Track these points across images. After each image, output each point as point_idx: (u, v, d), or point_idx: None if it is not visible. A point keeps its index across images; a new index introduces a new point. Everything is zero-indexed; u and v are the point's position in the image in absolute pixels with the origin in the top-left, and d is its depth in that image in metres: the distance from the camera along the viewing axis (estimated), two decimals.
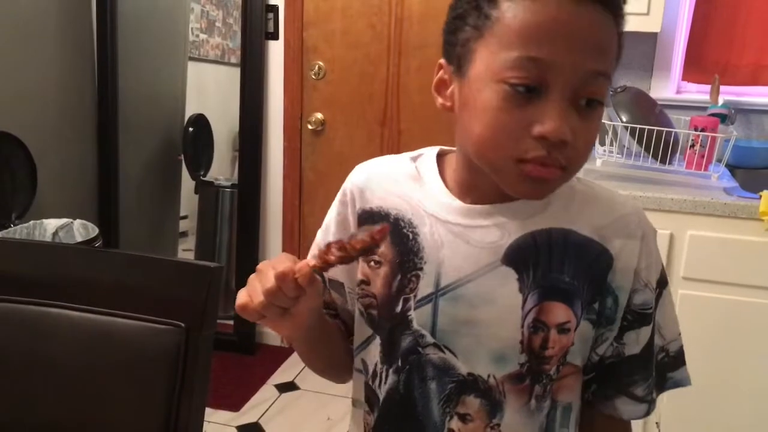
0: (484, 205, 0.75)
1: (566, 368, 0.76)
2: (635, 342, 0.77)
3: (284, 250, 2.87)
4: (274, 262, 0.66)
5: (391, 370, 0.79)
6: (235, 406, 2.48)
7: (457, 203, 0.76)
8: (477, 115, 0.67)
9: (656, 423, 1.82)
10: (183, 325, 0.99)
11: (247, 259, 2.87)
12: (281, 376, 2.72)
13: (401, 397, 0.79)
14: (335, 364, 0.89)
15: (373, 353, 0.81)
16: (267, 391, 2.61)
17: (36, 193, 2.42)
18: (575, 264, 0.73)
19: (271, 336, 2.96)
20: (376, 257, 0.78)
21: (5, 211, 2.34)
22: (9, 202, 2.35)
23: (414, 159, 0.81)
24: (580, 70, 0.64)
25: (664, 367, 0.81)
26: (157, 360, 0.99)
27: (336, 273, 0.84)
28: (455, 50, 0.70)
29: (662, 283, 0.78)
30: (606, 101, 0.69)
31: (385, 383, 0.80)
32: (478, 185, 0.75)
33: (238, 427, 2.36)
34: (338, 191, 0.85)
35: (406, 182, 0.79)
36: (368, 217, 0.81)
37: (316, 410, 2.47)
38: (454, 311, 0.74)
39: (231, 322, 2.91)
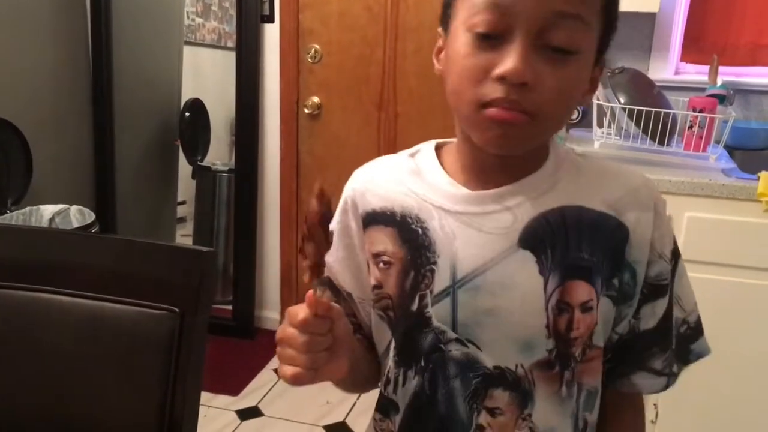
0: (491, 189, 0.73)
1: (592, 351, 0.75)
2: (651, 315, 0.76)
3: (282, 234, 2.87)
4: (286, 324, 0.65)
5: (411, 372, 0.77)
6: (235, 390, 2.49)
7: (464, 191, 0.74)
8: (450, 66, 0.69)
9: (654, 404, 1.83)
10: (177, 309, 0.99)
11: (245, 243, 2.87)
12: None
13: (428, 398, 0.76)
14: (366, 377, 0.85)
15: (390, 359, 0.79)
16: (266, 375, 2.62)
17: (32, 179, 2.41)
18: (592, 240, 0.72)
19: (270, 320, 2.96)
20: (386, 258, 0.76)
21: (1, 198, 2.33)
22: (5, 188, 2.35)
23: (412, 155, 0.80)
24: (542, 11, 0.63)
25: (687, 340, 0.80)
26: (152, 345, 0.99)
27: (346, 284, 0.82)
28: (446, 13, 0.71)
29: (676, 253, 0.77)
30: (581, 48, 0.65)
31: (403, 386, 0.78)
32: (481, 164, 0.73)
33: (238, 411, 2.37)
34: (335, 175, 0.83)
35: (408, 178, 0.78)
36: (373, 218, 0.78)
37: (315, 394, 2.48)
38: (475, 302, 0.72)
39: (230, 307, 2.91)
